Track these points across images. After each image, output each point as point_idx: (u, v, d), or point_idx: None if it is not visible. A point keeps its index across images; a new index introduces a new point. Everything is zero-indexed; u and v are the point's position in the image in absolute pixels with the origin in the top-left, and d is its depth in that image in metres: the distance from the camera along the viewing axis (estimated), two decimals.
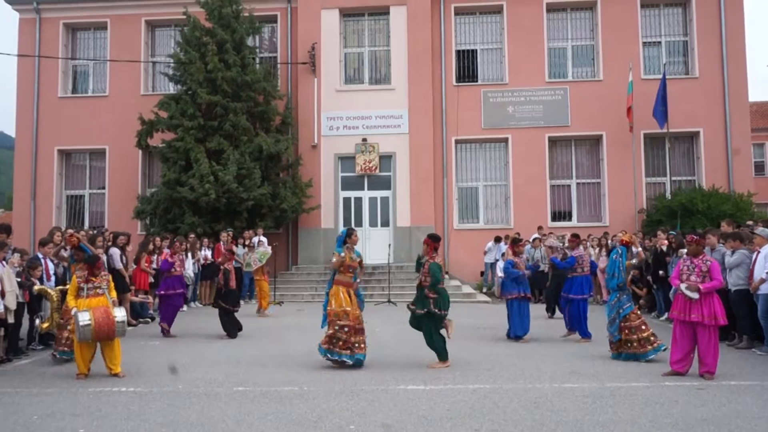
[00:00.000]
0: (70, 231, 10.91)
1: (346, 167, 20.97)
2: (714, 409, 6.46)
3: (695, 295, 7.84)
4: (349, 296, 8.69)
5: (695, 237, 8.34)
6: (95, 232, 14.24)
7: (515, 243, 11.55)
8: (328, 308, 8.61)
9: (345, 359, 8.50)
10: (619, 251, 9.45)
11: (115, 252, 13.13)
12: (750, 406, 6.57)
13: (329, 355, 8.55)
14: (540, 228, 18.67)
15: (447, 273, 19.96)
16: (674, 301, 8.28)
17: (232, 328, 11.61)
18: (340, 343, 8.49)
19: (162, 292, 12.19)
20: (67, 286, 8.75)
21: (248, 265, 15.45)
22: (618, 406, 6.57)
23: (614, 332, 9.16)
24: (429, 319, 8.60)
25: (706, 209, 17.76)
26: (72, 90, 22.78)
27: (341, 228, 20.41)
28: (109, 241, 13.27)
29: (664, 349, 8.81)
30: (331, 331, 8.53)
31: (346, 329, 8.49)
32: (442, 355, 8.65)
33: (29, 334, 10.37)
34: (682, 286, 7.99)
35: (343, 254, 8.66)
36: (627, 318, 9.12)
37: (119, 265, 13.02)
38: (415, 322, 8.82)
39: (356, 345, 8.59)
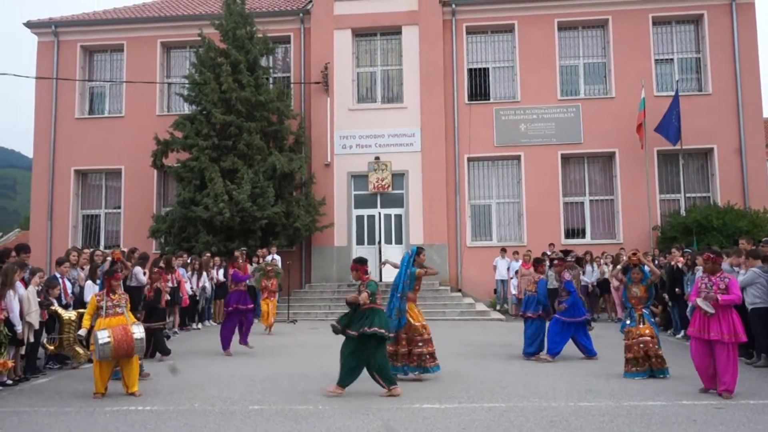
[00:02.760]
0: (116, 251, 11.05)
1: (359, 185, 21.06)
2: (733, 428, 6.39)
3: (711, 309, 7.79)
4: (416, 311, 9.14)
5: (711, 255, 8.29)
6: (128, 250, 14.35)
7: (538, 263, 11.64)
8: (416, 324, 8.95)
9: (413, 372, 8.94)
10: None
11: (139, 270, 13.13)
12: None
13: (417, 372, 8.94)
14: (551, 245, 18.62)
15: (460, 290, 19.99)
16: (692, 318, 8.22)
17: (163, 346, 11.36)
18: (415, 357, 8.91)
19: (231, 308, 11.92)
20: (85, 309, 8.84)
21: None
22: (635, 425, 6.52)
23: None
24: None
25: (721, 226, 17.62)
26: (89, 111, 23.10)
27: (354, 246, 20.59)
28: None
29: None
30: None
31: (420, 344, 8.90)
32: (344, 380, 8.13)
33: (46, 353, 10.45)
34: (699, 300, 7.95)
35: (423, 270, 9.15)
36: (629, 334, 9.10)
37: (143, 282, 12.96)
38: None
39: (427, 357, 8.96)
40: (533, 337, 10.93)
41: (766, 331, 9.88)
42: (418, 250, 9.30)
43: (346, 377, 8.08)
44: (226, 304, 12.48)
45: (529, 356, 10.85)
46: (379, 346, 8.12)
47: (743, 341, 7.94)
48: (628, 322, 9.25)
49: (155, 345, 11.25)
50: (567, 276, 11.18)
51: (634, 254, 9.49)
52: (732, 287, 7.91)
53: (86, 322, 8.34)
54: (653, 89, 20.49)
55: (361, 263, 8.61)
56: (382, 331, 7.99)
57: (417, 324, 8.97)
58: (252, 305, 12.48)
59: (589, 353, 10.91)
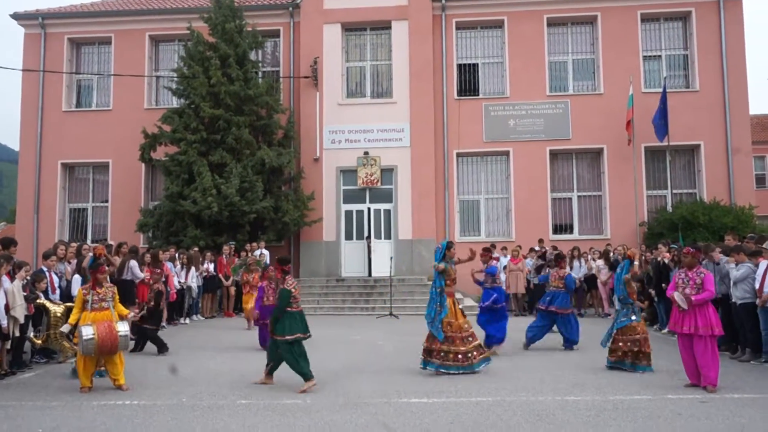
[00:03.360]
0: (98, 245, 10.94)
1: (347, 180, 21.05)
2: (718, 422, 6.47)
3: (684, 305, 7.94)
4: (455, 306, 9.16)
5: (691, 249, 8.38)
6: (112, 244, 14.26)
7: (559, 259, 11.98)
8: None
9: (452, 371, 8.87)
10: (622, 265, 9.53)
11: (135, 264, 13.05)
12: (754, 419, 6.58)
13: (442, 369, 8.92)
14: (540, 241, 18.72)
15: None
16: (671, 313, 8.35)
17: (161, 343, 11.28)
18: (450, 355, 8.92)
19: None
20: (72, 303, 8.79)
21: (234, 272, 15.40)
22: (621, 419, 6.58)
23: (604, 340, 9.50)
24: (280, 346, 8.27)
25: (707, 222, 17.78)
26: (76, 104, 22.92)
27: (343, 241, 20.60)
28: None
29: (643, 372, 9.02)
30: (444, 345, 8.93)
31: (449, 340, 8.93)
32: (306, 375, 8.16)
33: (33, 347, 10.39)
34: (675, 294, 8.11)
35: (443, 265, 9.11)
36: (628, 330, 9.16)
37: (140, 276, 12.88)
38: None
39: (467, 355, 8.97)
40: (543, 330, 11.36)
41: (753, 325, 9.98)
42: (449, 245, 9.36)
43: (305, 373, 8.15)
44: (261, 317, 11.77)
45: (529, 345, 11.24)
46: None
47: (719, 334, 8.03)
48: (633, 317, 9.28)
49: (153, 343, 11.24)
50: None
51: (631, 249, 9.69)
52: (706, 283, 8.02)
53: (73, 319, 8.26)
54: (641, 86, 20.60)
55: (282, 263, 8.67)
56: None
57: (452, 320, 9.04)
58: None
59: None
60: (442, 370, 8.87)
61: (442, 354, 8.90)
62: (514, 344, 11.33)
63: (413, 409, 7.09)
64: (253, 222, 18.57)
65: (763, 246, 10.05)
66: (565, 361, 10.09)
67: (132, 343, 10.56)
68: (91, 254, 10.48)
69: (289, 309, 8.18)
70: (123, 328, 8.22)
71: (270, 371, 8.52)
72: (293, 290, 8.22)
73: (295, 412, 6.97)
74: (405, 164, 20.67)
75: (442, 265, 9.11)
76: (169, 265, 15.48)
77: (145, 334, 11.34)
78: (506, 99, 21.09)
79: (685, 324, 7.97)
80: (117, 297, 8.58)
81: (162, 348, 11.14)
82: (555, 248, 16.93)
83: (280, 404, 7.35)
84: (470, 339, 9.08)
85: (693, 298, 7.91)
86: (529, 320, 12.96)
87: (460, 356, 8.91)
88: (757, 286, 9.72)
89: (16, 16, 22.53)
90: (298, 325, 8.19)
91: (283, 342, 8.12)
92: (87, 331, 7.89)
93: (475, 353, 9.05)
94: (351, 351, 11.18)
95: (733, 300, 10.20)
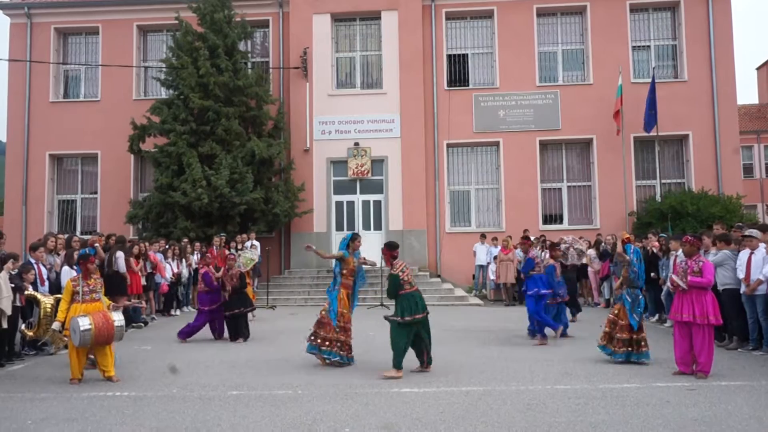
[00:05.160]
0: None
1: (338, 171, 21.02)
2: (705, 409, 6.54)
3: (684, 285, 8.07)
4: (348, 299, 9.14)
5: (690, 238, 8.44)
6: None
7: (554, 247, 12.26)
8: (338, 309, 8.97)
9: (335, 359, 8.88)
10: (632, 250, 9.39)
11: (121, 255, 13.02)
12: (741, 406, 6.65)
13: (324, 355, 8.90)
14: (526, 230, 18.79)
15: (439, 276, 20.11)
16: (673, 302, 8.42)
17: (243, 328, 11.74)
18: (336, 342, 8.89)
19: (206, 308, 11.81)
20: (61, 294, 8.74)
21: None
22: (610, 407, 6.64)
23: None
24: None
25: (695, 212, 17.92)
26: (63, 95, 22.73)
27: (334, 232, 20.59)
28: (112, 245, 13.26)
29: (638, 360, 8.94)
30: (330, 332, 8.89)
31: (337, 330, 8.91)
32: (397, 363, 8.23)
33: (23, 338, 10.35)
34: (673, 275, 8.25)
35: (342, 253, 9.14)
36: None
37: (124, 269, 12.92)
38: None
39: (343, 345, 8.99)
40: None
41: (737, 313, 10.08)
42: (353, 236, 9.38)
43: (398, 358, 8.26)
44: (198, 302, 12.20)
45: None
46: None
47: (716, 323, 8.10)
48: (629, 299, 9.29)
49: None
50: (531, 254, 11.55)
51: (628, 236, 9.61)
52: (705, 271, 8.08)
53: (61, 315, 8.17)
54: (630, 76, 20.64)
55: (389, 248, 8.76)
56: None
57: (341, 311, 9.04)
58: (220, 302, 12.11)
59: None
60: (334, 359, 8.86)
61: (336, 343, 8.90)
62: (506, 334, 11.38)
63: (404, 398, 7.12)
64: (243, 213, 18.52)
65: (750, 234, 10.10)
66: (555, 351, 10.15)
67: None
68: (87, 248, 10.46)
69: (402, 292, 8.35)
70: (118, 317, 8.23)
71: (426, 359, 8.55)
72: (401, 273, 8.40)
73: (286, 403, 6.98)
74: (395, 155, 20.66)
75: (341, 253, 9.15)
76: (159, 256, 15.47)
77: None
78: (496, 89, 21.10)
79: (685, 311, 8.04)
80: (104, 289, 8.57)
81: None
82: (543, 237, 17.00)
83: (271, 395, 7.36)
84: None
85: (689, 278, 8.02)
86: (519, 309, 12.99)
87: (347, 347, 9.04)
88: (741, 274, 9.80)
89: (1, 6, 22.30)
90: (413, 306, 8.30)
91: (397, 322, 8.25)
92: (84, 322, 7.84)
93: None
94: None
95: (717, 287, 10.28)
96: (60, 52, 22.68)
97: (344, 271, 9.09)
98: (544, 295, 11.04)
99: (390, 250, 8.71)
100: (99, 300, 8.27)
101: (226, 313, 11.68)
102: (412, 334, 8.32)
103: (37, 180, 21.85)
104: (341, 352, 8.90)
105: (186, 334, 11.71)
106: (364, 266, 9.39)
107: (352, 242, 9.25)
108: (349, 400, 7.05)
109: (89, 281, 8.29)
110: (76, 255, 10.31)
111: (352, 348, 9.15)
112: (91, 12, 22.30)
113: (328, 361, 8.90)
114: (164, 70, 19.91)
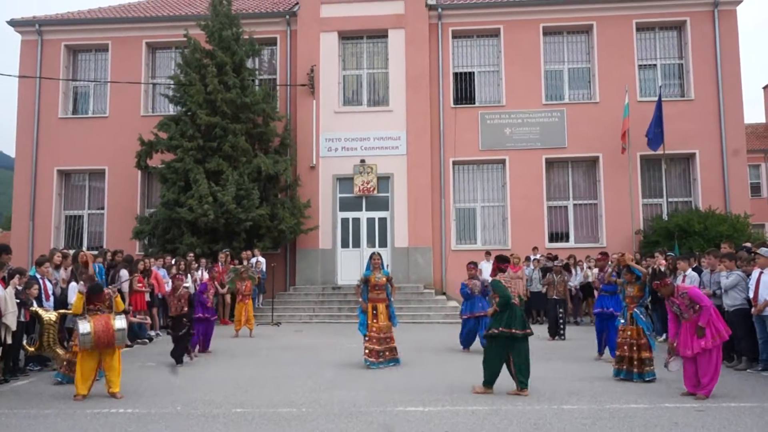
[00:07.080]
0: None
1: (344, 188, 21.04)
2: (714, 431, 6.45)
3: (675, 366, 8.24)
4: (375, 310, 10.37)
5: (658, 282, 8.45)
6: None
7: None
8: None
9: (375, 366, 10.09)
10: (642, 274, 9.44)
11: (125, 273, 13.06)
12: (750, 428, 6.56)
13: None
14: (535, 249, 18.80)
15: (444, 294, 20.03)
16: (678, 336, 8.23)
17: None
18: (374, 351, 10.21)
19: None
20: (67, 309, 8.82)
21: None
22: (617, 428, 6.56)
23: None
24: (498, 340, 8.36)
25: (702, 230, 17.81)
26: (72, 111, 22.88)
27: (339, 249, 20.59)
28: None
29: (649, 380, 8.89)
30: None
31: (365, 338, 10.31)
32: (487, 380, 8.33)
33: (25, 354, 10.34)
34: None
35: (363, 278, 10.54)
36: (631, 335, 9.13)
37: (126, 289, 12.99)
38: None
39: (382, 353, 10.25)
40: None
41: (746, 333, 9.99)
42: (370, 256, 10.69)
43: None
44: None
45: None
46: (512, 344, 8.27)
47: (726, 339, 8.03)
48: (622, 321, 9.33)
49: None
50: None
51: (623, 255, 9.65)
52: (695, 299, 8.03)
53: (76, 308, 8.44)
54: (637, 95, 20.67)
55: (499, 261, 8.93)
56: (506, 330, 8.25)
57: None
58: (214, 316, 12.87)
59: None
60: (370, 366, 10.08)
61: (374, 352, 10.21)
62: None
63: (409, 417, 7.06)
64: (249, 230, 18.52)
65: (759, 252, 10.04)
66: (562, 370, 10.06)
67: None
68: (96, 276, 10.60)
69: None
70: (120, 323, 8.26)
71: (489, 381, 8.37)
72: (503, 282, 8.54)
73: (290, 421, 6.93)
74: (401, 172, 20.67)
75: (363, 278, 10.55)
76: (162, 273, 15.47)
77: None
78: (502, 107, 21.14)
79: (695, 345, 7.94)
80: (117, 298, 8.78)
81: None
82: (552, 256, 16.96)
83: (275, 413, 7.31)
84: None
85: (700, 323, 7.90)
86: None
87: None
88: (751, 294, 9.72)
89: (13, 23, 22.52)
90: (512, 321, 8.27)
91: (493, 335, 8.30)
92: (84, 326, 8.04)
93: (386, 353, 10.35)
94: (347, 359, 11.14)
95: (725, 308, 10.20)
96: (70, 69, 22.86)
97: (369, 287, 10.42)
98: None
99: (500, 263, 8.88)
100: (106, 313, 8.37)
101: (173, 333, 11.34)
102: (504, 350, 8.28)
103: (44, 195, 21.94)
104: (379, 359, 10.13)
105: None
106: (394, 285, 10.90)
107: (371, 261, 10.55)
108: (354, 419, 6.99)
109: (97, 303, 8.48)
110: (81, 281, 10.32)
111: (396, 350, 10.52)
112: (101, 29, 22.51)
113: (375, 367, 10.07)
114: (172, 86, 20.04)
